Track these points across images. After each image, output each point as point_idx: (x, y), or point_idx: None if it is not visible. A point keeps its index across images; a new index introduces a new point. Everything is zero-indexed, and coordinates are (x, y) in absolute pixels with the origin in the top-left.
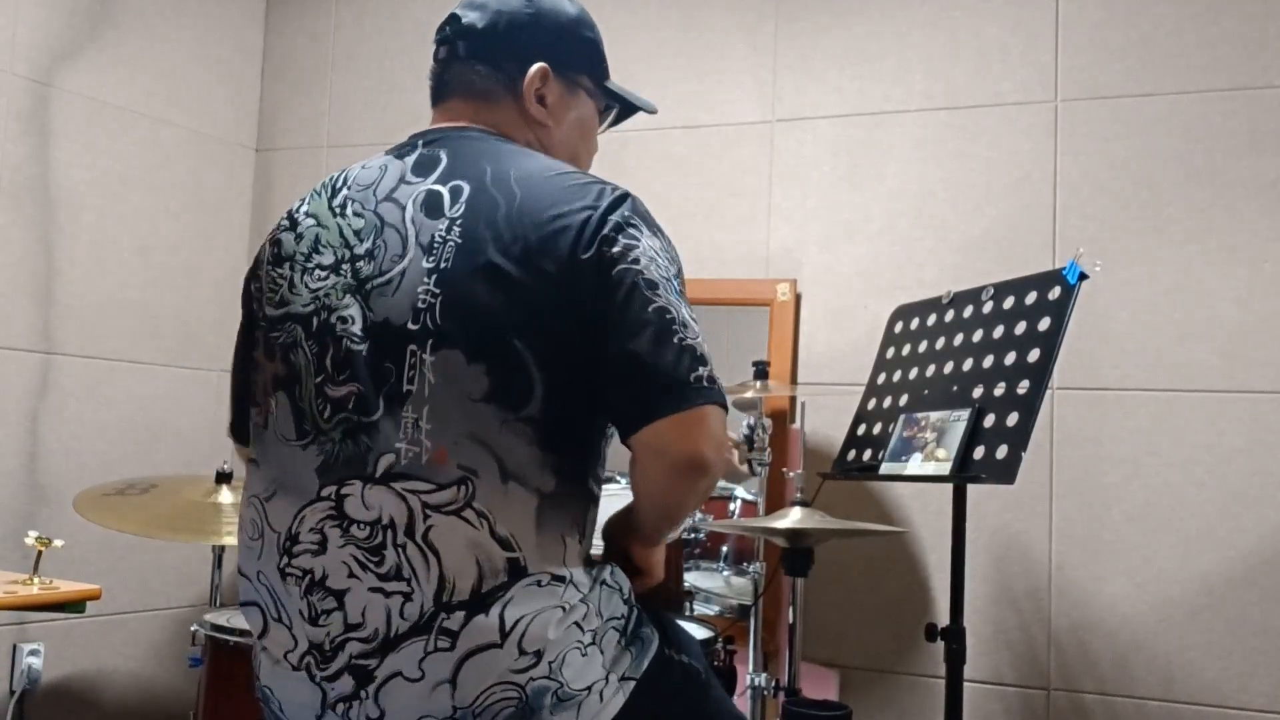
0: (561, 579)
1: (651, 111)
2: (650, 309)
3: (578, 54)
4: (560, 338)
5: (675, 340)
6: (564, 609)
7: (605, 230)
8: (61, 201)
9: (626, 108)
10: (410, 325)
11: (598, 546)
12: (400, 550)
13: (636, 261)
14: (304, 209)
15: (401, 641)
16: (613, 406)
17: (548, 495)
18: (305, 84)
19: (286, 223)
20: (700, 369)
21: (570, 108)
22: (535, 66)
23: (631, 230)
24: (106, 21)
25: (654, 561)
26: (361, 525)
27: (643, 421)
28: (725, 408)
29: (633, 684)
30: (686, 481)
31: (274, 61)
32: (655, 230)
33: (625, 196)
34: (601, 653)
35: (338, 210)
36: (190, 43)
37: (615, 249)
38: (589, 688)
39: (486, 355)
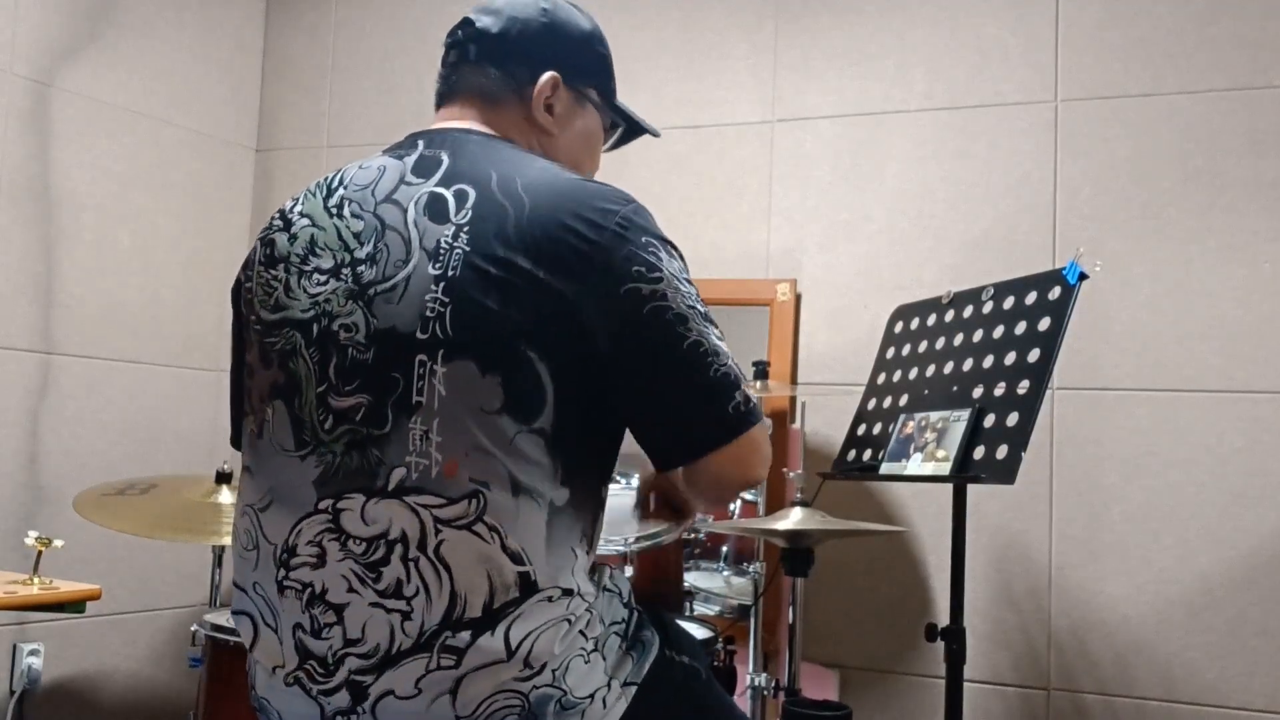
0: (570, 591)
1: (655, 134)
2: (685, 345)
3: (589, 67)
4: (570, 349)
5: (712, 373)
6: (569, 621)
7: (625, 260)
8: (61, 201)
9: (632, 128)
10: (419, 334)
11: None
12: (412, 565)
13: (664, 297)
14: (298, 209)
15: (402, 659)
16: (653, 442)
17: (559, 508)
18: (305, 84)
19: (280, 223)
20: (737, 394)
21: (577, 118)
22: (546, 75)
23: (651, 258)
24: (106, 21)
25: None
26: (358, 541)
27: (692, 458)
28: (763, 418)
29: (635, 689)
30: (740, 491)
31: (274, 61)
32: (670, 250)
33: (636, 212)
34: (604, 659)
35: (334, 211)
36: (190, 42)
37: (642, 285)
38: (592, 695)
39: (500, 366)
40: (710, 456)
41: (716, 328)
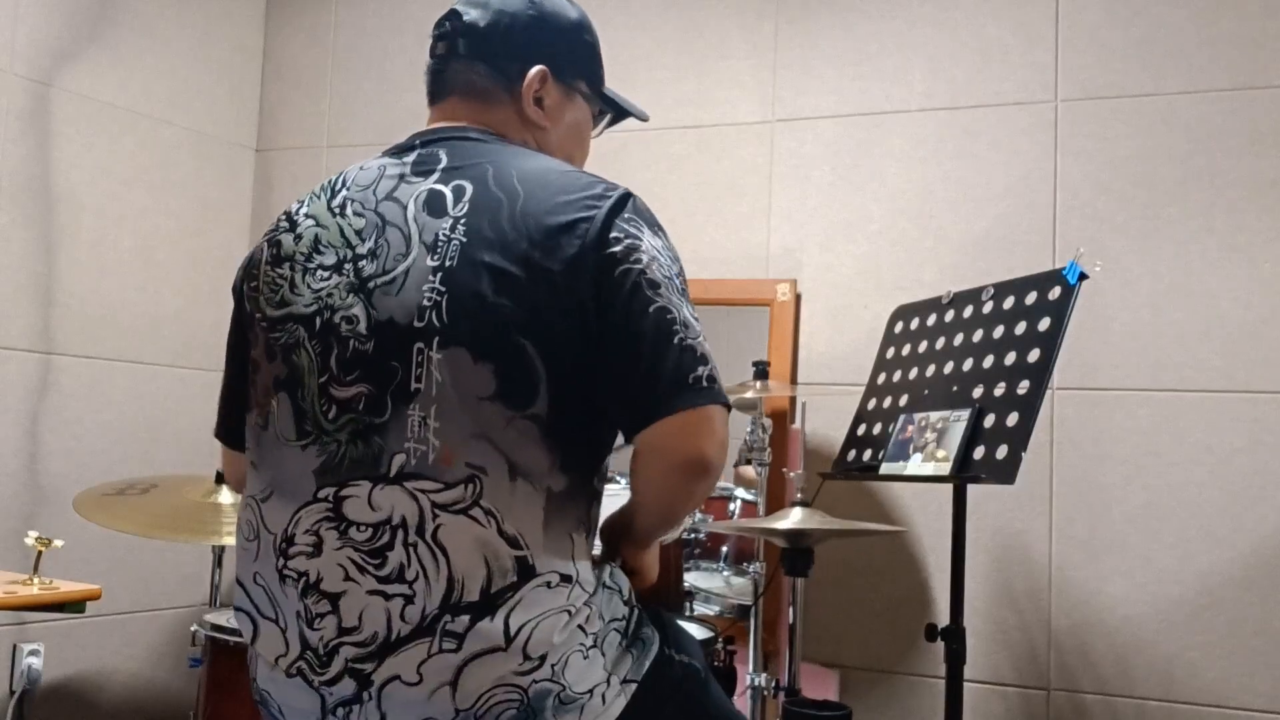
0: (569, 578)
1: (643, 118)
2: (652, 309)
3: (577, 58)
4: (564, 335)
5: (676, 340)
6: (569, 612)
7: (608, 230)
8: (61, 201)
9: (620, 113)
10: (416, 323)
11: (597, 546)
12: (411, 549)
13: (639, 261)
14: (303, 210)
15: (402, 645)
16: (614, 408)
17: (556, 493)
18: (305, 84)
19: (285, 224)
20: (701, 369)
21: (567, 111)
22: (535, 69)
23: (633, 229)
24: (106, 21)
25: (647, 563)
26: (362, 527)
27: (645, 422)
28: (728, 407)
29: (634, 686)
30: (687, 481)
31: (274, 61)
32: (656, 229)
33: (627, 196)
34: (603, 655)
35: (337, 211)
36: (190, 43)
37: (617, 249)
38: (591, 690)
39: (493, 354)
40: (660, 423)
41: (692, 307)
